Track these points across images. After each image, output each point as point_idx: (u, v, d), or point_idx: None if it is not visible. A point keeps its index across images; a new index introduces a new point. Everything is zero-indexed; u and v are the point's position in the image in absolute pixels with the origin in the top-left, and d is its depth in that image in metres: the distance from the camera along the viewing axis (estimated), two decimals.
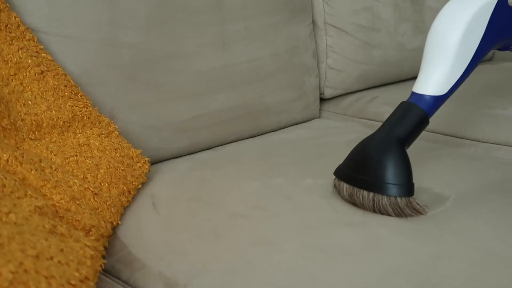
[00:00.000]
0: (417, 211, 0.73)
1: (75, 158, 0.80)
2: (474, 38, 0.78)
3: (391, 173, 0.72)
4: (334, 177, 0.80)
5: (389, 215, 0.73)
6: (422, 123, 0.77)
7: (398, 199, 0.72)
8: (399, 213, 0.73)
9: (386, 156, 0.73)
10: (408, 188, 0.73)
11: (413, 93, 0.78)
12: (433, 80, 0.77)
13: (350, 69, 1.32)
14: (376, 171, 0.73)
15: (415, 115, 0.76)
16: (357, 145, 0.78)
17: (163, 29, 0.98)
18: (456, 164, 0.92)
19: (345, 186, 0.77)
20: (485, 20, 0.79)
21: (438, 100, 0.78)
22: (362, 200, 0.74)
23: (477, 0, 0.79)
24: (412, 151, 0.98)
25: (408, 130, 0.76)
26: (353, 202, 0.76)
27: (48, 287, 0.55)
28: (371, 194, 0.73)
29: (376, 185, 0.73)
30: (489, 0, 0.79)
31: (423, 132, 1.12)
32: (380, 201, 0.73)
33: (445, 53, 0.77)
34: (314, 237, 0.71)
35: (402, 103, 0.78)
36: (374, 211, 0.74)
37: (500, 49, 0.88)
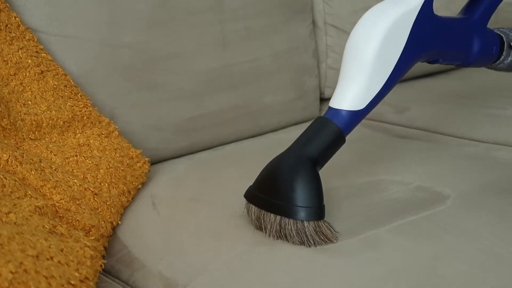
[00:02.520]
0: (325, 237, 0.68)
1: (75, 158, 0.80)
2: (395, 49, 0.72)
3: (299, 196, 0.66)
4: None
5: (294, 242, 0.68)
6: (337, 141, 0.71)
7: (306, 223, 0.67)
8: (305, 240, 0.67)
9: (295, 177, 0.67)
10: (317, 212, 0.67)
11: (329, 108, 0.72)
12: (349, 95, 0.71)
13: None
14: (284, 193, 0.67)
15: (330, 132, 0.70)
16: (267, 165, 0.73)
17: (163, 29, 0.98)
18: (456, 164, 0.92)
19: (253, 208, 0.71)
20: (407, 30, 0.72)
21: (356, 116, 0.71)
22: (269, 224, 0.69)
23: (397, 9, 0.72)
24: (412, 151, 0.99)
25: (322, 149, 0.70)
26: (260, 226, 0.71)
27: (48, 287, 0.55)
28: (278, 217, 0.68)
29: (283, 208, 0.67)
30: (410, 8, 0.73)
31: (424, 132, 1.13)
32: (287, 226, 0.68)
33: (362, 66, 0.71)
34: None
35: (318, 119, 0.72)
36: (280, 237, 0.69)
37: (430, 62, 0.82)
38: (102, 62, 0.92)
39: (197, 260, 0.70)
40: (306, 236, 0.67)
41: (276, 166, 0.71)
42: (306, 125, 1.20)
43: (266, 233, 0.70)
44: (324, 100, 1.33)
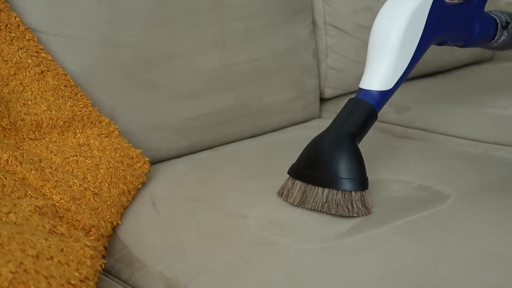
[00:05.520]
0: (366, 209, 0.73)
1: (75, 158, 0.81)
2: (415, 34, 0.80)
3: (344, 168, 0.73)
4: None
5: (337, 212, 0.72)
6: (371, 117, 0.78)
7: (353, 193, 0.72)
8: (350, 209, 0.72)
9: (339, 151, 0.74)
10: (362, 182, 0.73)
11: (360, 89, 0.80)
12: (378, 76, 0.79)
13: (350, 69, 1.32)
14: (329, 167, 0.73)
15: (364, 110, 0.77)
16: (309, 143, 0.78)
17: (163, 29, 0.98)
18: (456, 163, 0.92)
19: (298, 184, 0.76)
20: (424, 16, 0.81)
21: (385, 95, 0.79)
22: (316, 196, 0.74)
23: None
24: (412, 150, 0.98)
25: (358, 125, 0.76)
26: (303, 200, 0.75)
27: (48, 287, 0.55)
28: (326, 190, 0.73)
29: (330, 181, 0.73)
30: None
31: (424, 132, 1.13)
32: (334, 197, 0.72)
33: (388, 50, 0.79)
34: (314, 236, 0.71)
35: (351, 100, 0.79)
36: (323, 209, 0.73)
37: (439, 44, 0.90)
38: (102, 62, 0.92)
39: (198, 260, 0.70)
40: (352, 205, 0.72)
41: (318, 144, 0.76)
42: (306, 125, 1.22)
43: (308, 206, 0.74)
44: (324, 100, 1.33)
